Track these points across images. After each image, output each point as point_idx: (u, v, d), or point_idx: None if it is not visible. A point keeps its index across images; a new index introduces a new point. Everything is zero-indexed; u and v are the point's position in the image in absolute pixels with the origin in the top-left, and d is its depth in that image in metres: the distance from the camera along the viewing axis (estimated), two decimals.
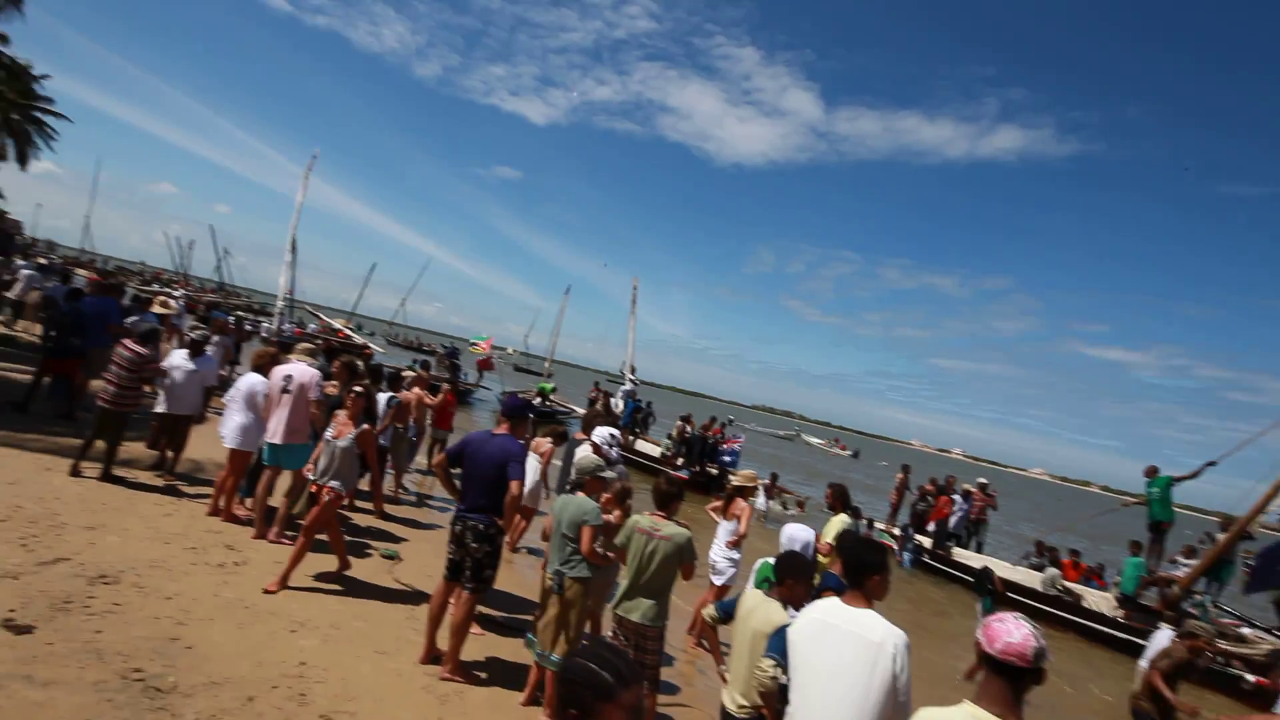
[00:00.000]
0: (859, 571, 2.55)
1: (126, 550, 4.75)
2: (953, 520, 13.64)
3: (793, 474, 28.79)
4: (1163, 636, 5.60)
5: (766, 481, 15.08)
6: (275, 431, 5.65)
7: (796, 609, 3.01)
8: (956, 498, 13.77)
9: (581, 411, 25.80)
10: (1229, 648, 9.10)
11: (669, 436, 19.49)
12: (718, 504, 6.48)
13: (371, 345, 39.06)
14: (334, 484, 4.91)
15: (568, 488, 4.26)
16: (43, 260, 28.22)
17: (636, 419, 21.57)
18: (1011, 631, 1.87)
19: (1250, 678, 8.56)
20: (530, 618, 4.65)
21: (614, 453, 6.68)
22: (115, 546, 4.77)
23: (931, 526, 13.75)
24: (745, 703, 2.92)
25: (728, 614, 3.27)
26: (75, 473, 5.99)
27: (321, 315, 40.34)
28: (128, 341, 6.28)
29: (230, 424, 5.81)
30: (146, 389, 6.62)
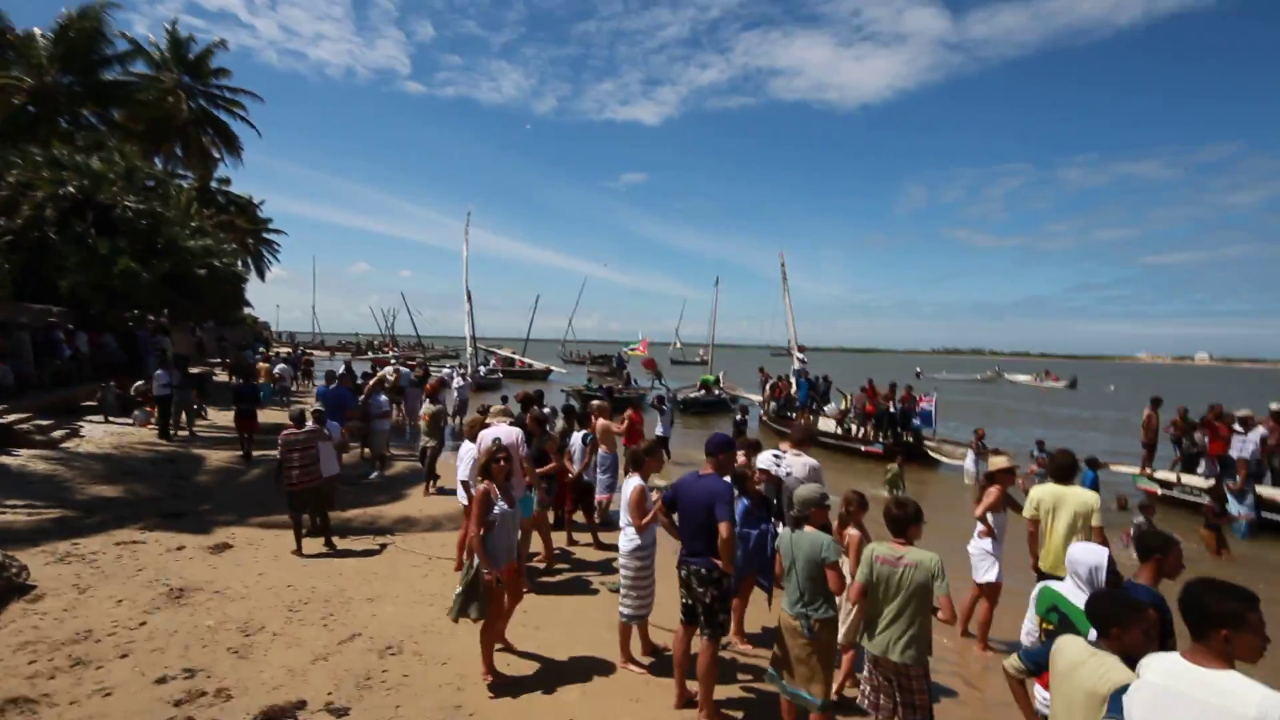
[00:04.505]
0: (1205, 624, 2.02)
1: (402, 618, 5.38)
2: (1235, 452, 11.20)
3: (1003, 422, 25.87)
4: None
5: (971, 442, 13.59)
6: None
7: (1139, 654, 2.49)
8: (1236, 428, 11.33)
9: (754, 397, 25.52)
10: None
11: (839, 409, 18.47)
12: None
13: (552, 367, 42.12)
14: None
15: (790, 521, 4.03)
16: (286, 351, 34.39)
17: (814, 396, 20.76)
18: None
19: None
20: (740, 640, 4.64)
21: (781, 469, 6.13)
22: (393, 616, 5.43)
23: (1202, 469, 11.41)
24: None
25: (1038, 665, 2.77)
26: (298, 552, 6.81)
27: (497, 352, 44.02)
28: (288, 430, 7.01)
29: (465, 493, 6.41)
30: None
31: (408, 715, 3.97)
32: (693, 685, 4.20)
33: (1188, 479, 11.73)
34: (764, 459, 6.02)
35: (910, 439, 15.83)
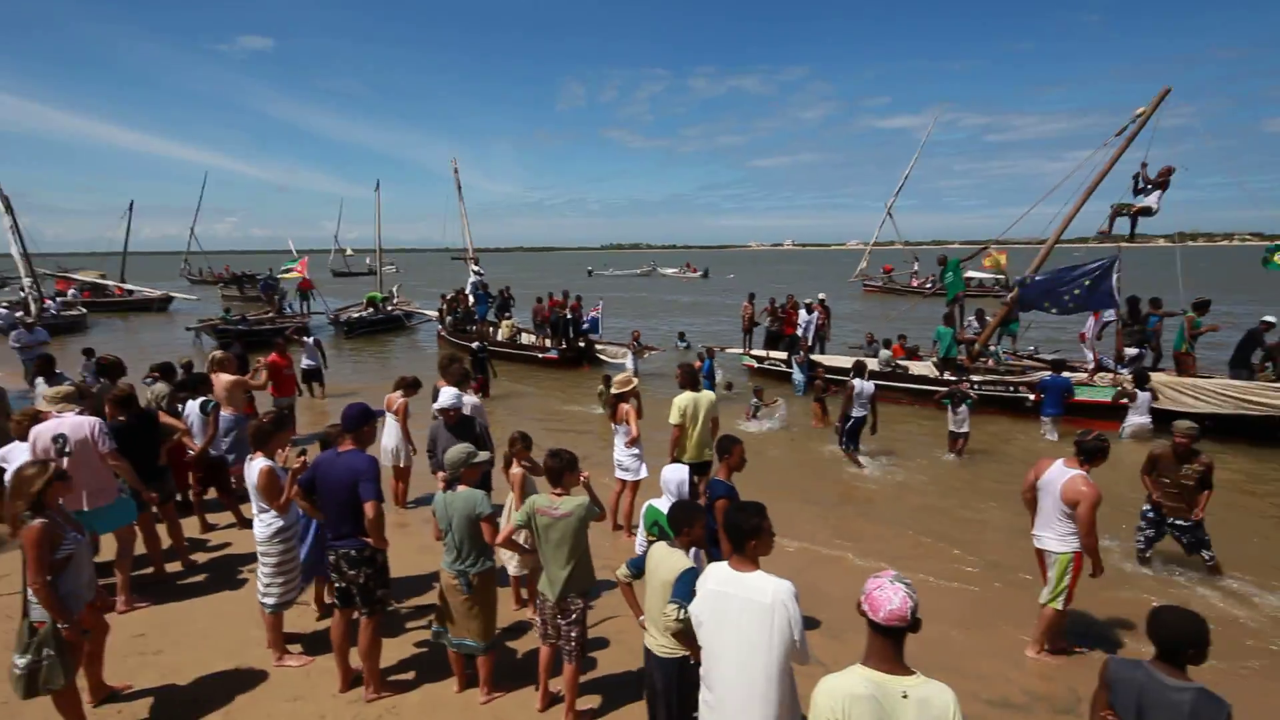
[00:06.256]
0: (740, 538, 2.66)
1: None
2: (800, 331, 14.98)
3: (656, 315, 29.88)
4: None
5: (629, 343, 15.48)
6: (77, 500, 4.70)
7: (703, 546, 3.27)
8: (801, 312, 15.02)
9: (431, 313, 24.47)
10: (1013, 379, 11.47)
11: (509, 330, 19.07)
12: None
13: (173, 294, 33.23)
14: None
15: (443, 483, 4.00)
16: None
17: (491, 307, 20.81)
18: (891, 599, 2.04)
19: (1030, 397, 10.80)
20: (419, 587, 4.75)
21: (468, 407, 6.03)
22: None
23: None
24: (666, 644, 3.12)
25: (639, 569, 3.37)
26: None
27: (73, 277, 33.07)
28: None
29: None
30: None
31: None
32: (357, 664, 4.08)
33: (774, 354, 15.31)
34: (448, 396, 5.70)
35: (582, 344, 17.16)
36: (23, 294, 24.37)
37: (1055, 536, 4.51)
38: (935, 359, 12.72)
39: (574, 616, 3.77)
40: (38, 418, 4.94)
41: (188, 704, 3.97)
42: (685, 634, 2.97)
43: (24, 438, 4.86)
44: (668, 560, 3.11)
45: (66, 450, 4.69)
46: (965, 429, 9.24)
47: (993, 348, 12.70)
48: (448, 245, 27.76)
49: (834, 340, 16.97)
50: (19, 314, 22.24)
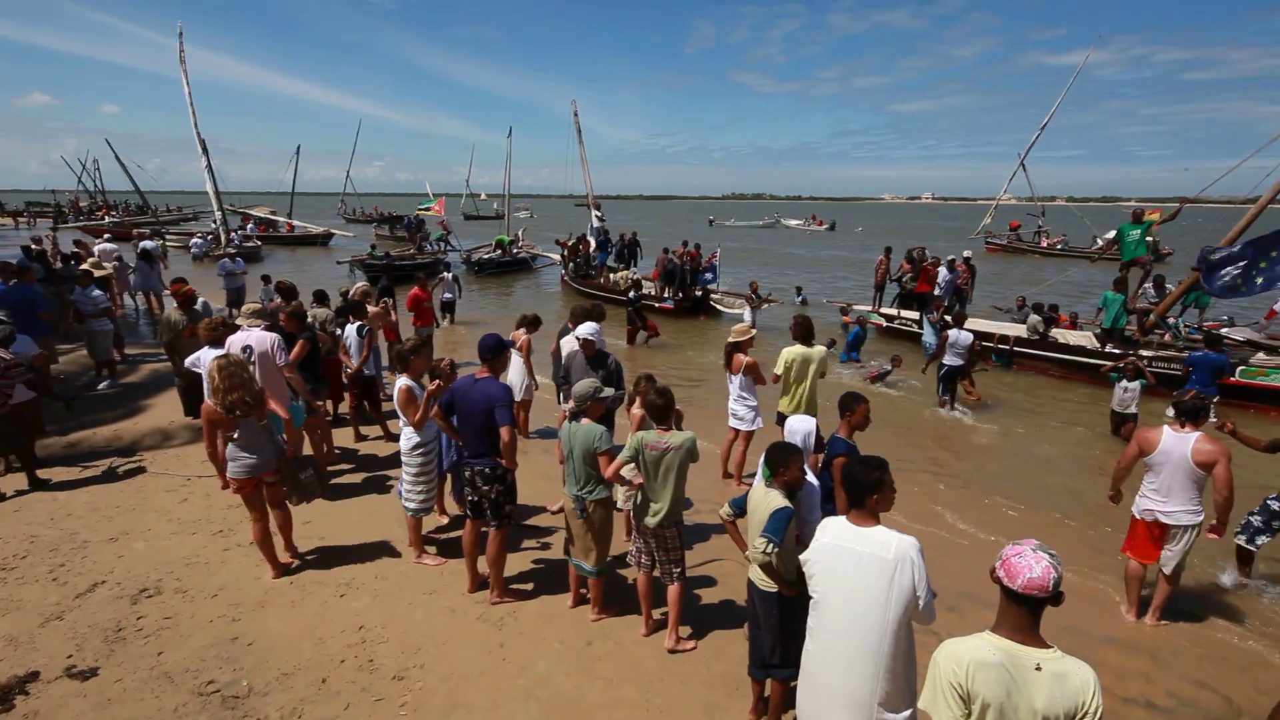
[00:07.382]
0: (859, 493, 2.57)
1: (157, 554, 4.86)
2: (939, 290, 13.88)
3: (777, 268, 28.92)
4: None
5: (748, 293, 15.12)
6: None
7: (799, 488, 3.28)
8: (942, 270, 13.89)
9: (554, 257, 25.30)
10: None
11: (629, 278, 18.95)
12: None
13: (333, 230, 36.96)
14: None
15: (565, 415, 4.20)
16: None
17: (612, 253, 21.02)
18: (1032, 566, 1.90)
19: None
20: (553, 510, 5.19)
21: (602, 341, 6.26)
22: (144, 554, 4.88)
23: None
24: (766, 578, 3.19)
25: (740, 509, 3.45)
26: None
27: (250, 212, 37.31)
28: None
29: None
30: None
31: (174, 660, 3.73)
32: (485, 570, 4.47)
33: (905, 314, 14.36)
34: (589, 329, 5.83)
35: (699, 293, 17.03)
36: (214, 226, 27.95)
37: (1190, 509, 4.30)
38: (1098, 329, 11.33)
39: (671, 544, 3.93)
40: (229, 327, 5.70)
41: (342, 584, 4.57)
42: (771, 569, 3.11)
43: (214, 344, 5.63)
44: (765, 500, 3.18)
45: (251, 360, 5.41)
46: (1133, 409, 8.08)
47: (1172, 320, 11.08)
48: (570, 191, 28.24)
49: (975, 303, 15.63)
50: (211, 241, 25.72)
